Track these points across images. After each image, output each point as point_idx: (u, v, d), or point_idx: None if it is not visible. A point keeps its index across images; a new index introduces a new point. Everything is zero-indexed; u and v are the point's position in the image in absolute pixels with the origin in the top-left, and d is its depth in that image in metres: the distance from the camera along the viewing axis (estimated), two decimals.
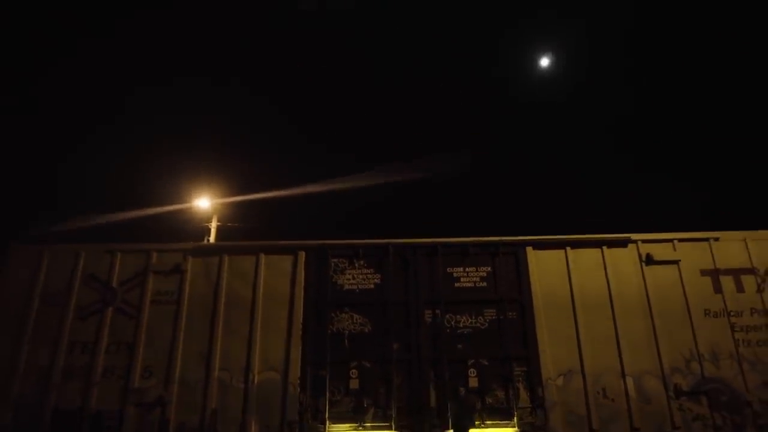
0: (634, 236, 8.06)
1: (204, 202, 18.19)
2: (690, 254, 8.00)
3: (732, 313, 7.73)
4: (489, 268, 7.86)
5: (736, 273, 7.96)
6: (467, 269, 7.87)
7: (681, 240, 8.07)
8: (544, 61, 25.78)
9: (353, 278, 7.79)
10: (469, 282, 7.80)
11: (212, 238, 17.89)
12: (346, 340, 7.46)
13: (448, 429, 6.98)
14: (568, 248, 7.96)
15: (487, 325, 7.57)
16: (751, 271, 7.96)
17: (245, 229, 19.28)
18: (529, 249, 7.93)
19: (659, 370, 7.38)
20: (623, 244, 8.03)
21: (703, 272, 7.95)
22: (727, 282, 7.90)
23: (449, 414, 7.03)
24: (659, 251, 7.96)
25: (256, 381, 7.22)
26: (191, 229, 18.15)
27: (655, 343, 7.52)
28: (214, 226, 17.90)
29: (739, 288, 7.89)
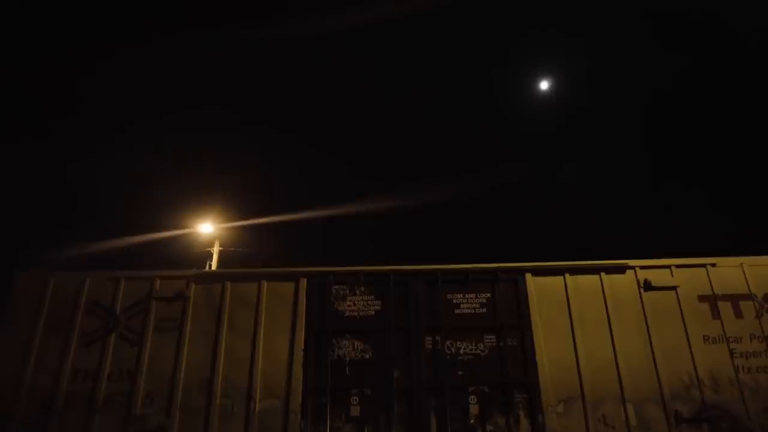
0: (631, 262, 8.14)
1: (207, 227, 18.33)
2: (688, 280, 8.08)
3: (731, 339, 7.76)
4: (489, 295, 7.94)
5: (734, 299, 8.01)
6: (467, 295, 7.95)
7: (678, 266, 8.15)
8: (544, 85, 25.99)
9: (354, 305, 7.86)
10: (469, 308, 7.87)
11: (214, 263, 17.98)
12: (347, 367, 7.50)
13: None
14: (567, 274, 8.04)
15: (487, 351, 7.61)
16: (749, 296, 8.01)
17: (247, 253, 19.39)
18: (528, 275, 8.01)
19: (659, 397, 7.39)
20: (621, 270, 8.11)
21: (701, 298, 8.01)
22: (725, 308, 7.95)
23: None
24: (657, 277, 8.04)
25: (257, 408, 7.24)
26: (194, 254, 18.26)
27: (654, 369, 7.55)
28: (216, 251, 18.01)
29: (738, 314, 7.94)
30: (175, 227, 18.69)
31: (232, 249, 18.98)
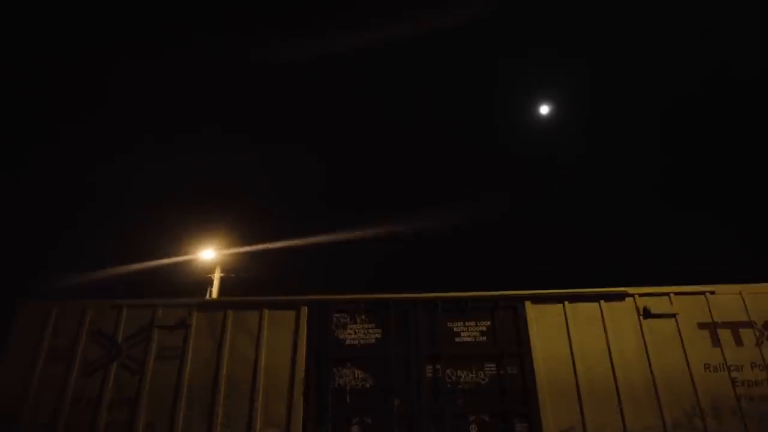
0: (630, 290, 8.19)
1: (208, 253, 18.42)
2: (687, 307, 8.11)
3: (732, 368, 7.75)
4: (489, 323, 7.97)
5: (734, 326, 8.03)
6: (467, 323, 7.98)
7: (677, 293, 8.19)
8: (544, 109, 25.99)
9: (355, 333, 7.90)
10: (469, 336, 7.90)
11: (215, 289, 18.02)
12: (347, 396, 7.50)
13: None
14: (566, 302, 8.09)
15: (487, 380, 7.61)
16: (749, 324, 8.03)
17: (249, 279, 19.44)
18: (527, 303, 8.05)
19: (661, 426, 7.35)
20: (620, 297, 8.16)
21: (701, 325, 8.03)
22: (725, 335, 7.97)
23: None
24: (656, 305, 8.08)
25: None
26: (195, 280, 18.31)
27: (656, 398, 7.53)
28: (216, 277, 18.06)
29: (738, 341, 7.95)
30: (178, 253, 18.78)
31: (232, 275, 19.04)
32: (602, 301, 8.11)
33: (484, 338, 7.88)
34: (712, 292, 8.22)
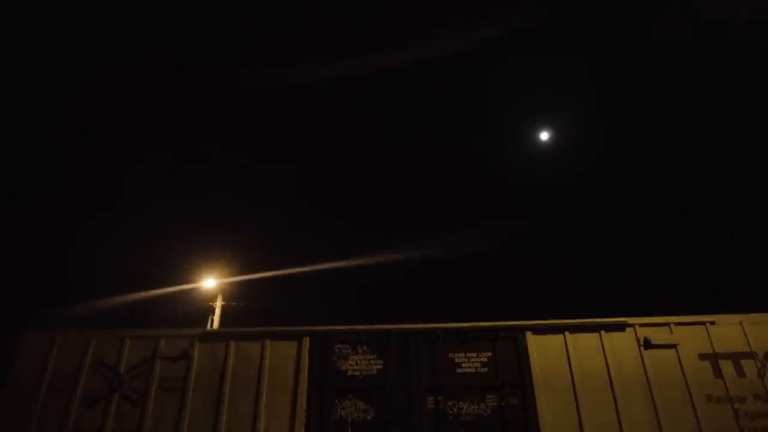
0: (631, 320, 8.22)
1: (210, 282, 18.47)
2: (687, 338, 8.12)
3: (735, 399, 7.72)
4: (490, 353, 7.99)
5: (736, 357, 8.03)
6: (468, 354, 8.00)
7: (677, 324, 8.21)
8: (544, 135, 25.85)
9: (356, 364, 7.92)
10: (470, 367, 7.90)
11: (216, 318, 18.01)
12: (349, 428, 7.48)
13: None
14: (567, 333, 8.11)
15: (489, 411, 7.59)
16: (750, 355, 8.03)
17: (249, 307, 19.43)
18: (528, 334, 8.08)
19: None
20: (621, 328, 8.18)
21: (702, 356, 8.03)
22: (726, 366, 7.96)
23: None
24: (657, 335, 8.09)
25: None
26: (198, 308, 18.32)
27: (658, 429, 7.48)
28: (218, 306, 18.07)
29: (740, 373, 7.93)
30: (180, 282, 18.83)
31: (234, 304, 19.04)
32: (603, 332, 8.13)
33: (486, 369, 7.89)
34: (713, 322, 8.24)
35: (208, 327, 17.55)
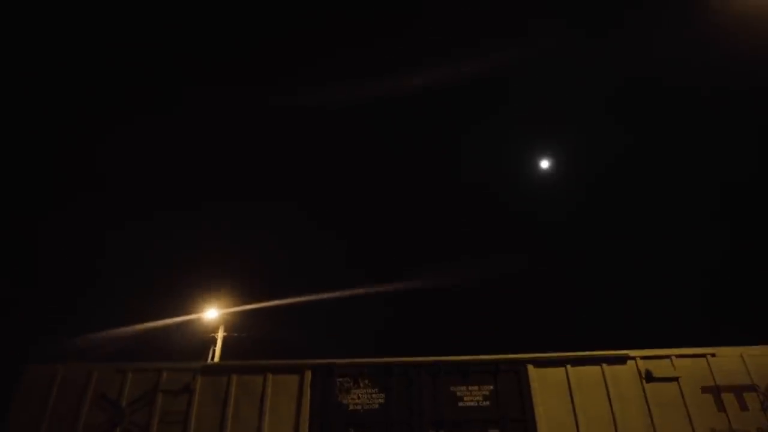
0: (632, 353, 8.24)
1: (212, 313, 18.46)
2: (689, 370, 8.13)
3: None
4: (492, 387, 7.99)
5: (738, 390, 8.02)
6: (470, 388, 8.00)
7: (678, 356, 8.22)
8: (544, 164, 25.51)
9: (358, 398, 7.91)
10: (472, 401, 7.89)
11: (218, 351, 17.94)
12: None
13: None
14: (568, 366, 8.12)
15: None
16: (752, 388, 8.03)
17: (252, 338, 19.36)
18: (530, 367, 8.09)
19: None
20: (622, 360, 8.19)
21: (704, 389, 8.02)
22: (729, 399, 7.94)
23: None
24: (658, 368, 8.10)
25: None
26: (200, 339, 18.27)
27: None
28: (220, 337, 18.03)
29: (743, 406, 7.91)
30: (182, 313, 18.81)
31: (235, 335, 18.98)
32: (604, 365, 8.14)
33: (487, 403, 7.87)
34: (713, 355, 8.26)
35: (210, 358, 17.48)
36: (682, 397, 7.92)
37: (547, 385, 7.99)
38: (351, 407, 7.84)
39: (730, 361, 8.23)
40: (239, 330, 19.39)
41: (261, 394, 7.88)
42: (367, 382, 8.01)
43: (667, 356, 8.23)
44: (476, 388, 7.99)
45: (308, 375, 8.03)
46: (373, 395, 7.91)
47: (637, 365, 8.15)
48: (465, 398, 7.91)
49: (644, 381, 8.03)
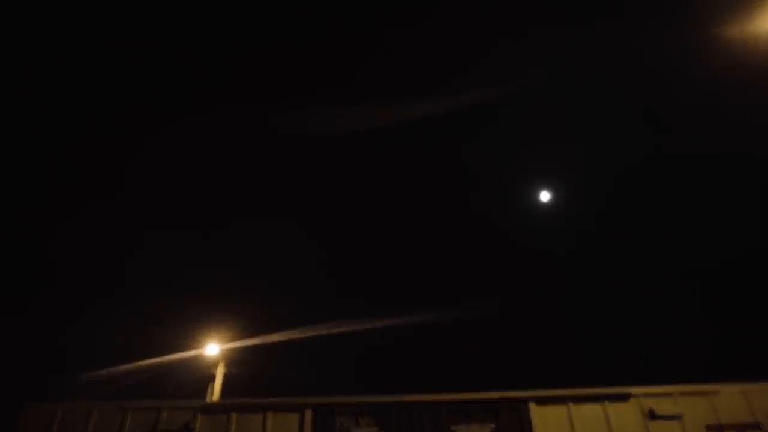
0: (634, 390, 8.17)
1: (213, 348, 18.34)
2: (692, 408, 8.06)
3: None
4: (493, 425, 7.91)
5: (742, 429, 7.94)
6: (471, 427, 7.92)
7: (681, 394, 8.16)
8: (544, 196, 25.19)
9: None
10: None
11: (217, 386, 17.74)
12: None
13: None
14: (570, 404, 8.05)
15: None
16: (756, 426, 7.95)
17: (251, 374, 19.16)
18: (532, 405, 8.03)
19: None
20: (624, 398, 8.14)
21: (709, 428, 7.94)
22: None
23: None
24: (661, 406, 8.04)
25: None
26: (201, 375, 18.09)
27: None
28: (219, 374, 17.85)
29: None
30: (182, 349, 18.69)
31: (234, 371, 18.79)
32: (606, 402, 8.07)
33: None
34: (716, 392, 8.20)
35: (209, 395, 17.26)
36: None
37: (548, 423, 7.92)
38: None
39: (732, 398, 8.17)
40: (239, 365, 19.22)
41: None
42: (367, 420, 7.95)
43: (670, 394, 8.17)
44: (477, 426, 7.92)
45: (309, 414, 7.98)
46: None
47: (639, 403, 8.08)
48: None
49: (647, 419, 7.95)
